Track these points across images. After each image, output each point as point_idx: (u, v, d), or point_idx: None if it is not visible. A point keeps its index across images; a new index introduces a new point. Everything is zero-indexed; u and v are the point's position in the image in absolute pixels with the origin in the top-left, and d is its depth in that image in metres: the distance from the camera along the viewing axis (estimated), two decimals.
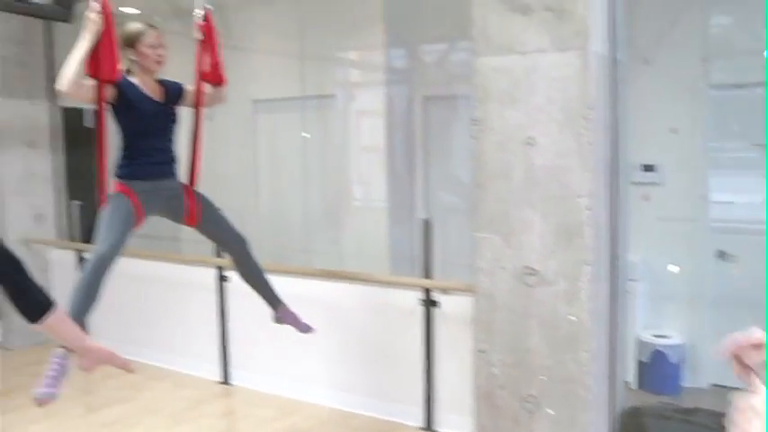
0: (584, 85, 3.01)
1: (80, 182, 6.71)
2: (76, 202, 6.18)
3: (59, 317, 2.76)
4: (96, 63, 3.25)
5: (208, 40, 3.68)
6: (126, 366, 2.96)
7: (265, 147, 6.83)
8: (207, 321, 5.18)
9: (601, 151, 3.14)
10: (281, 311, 3.93)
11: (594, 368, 3.14)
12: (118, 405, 4.83)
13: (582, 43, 3.00)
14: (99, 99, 3.31)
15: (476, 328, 3.34)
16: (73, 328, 2.88)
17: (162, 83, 3.59)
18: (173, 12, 6.23)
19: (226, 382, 5.19)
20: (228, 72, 3.81)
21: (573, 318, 3.07)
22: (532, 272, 3.16)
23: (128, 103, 3.41)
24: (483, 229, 3.27)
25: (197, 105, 3.70)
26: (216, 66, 3.69)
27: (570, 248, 3.07)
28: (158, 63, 3.50)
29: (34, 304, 2.67)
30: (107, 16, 3.27)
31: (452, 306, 4.10)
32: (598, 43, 3.09)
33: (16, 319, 6.00)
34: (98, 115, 3.35)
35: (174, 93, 3.62)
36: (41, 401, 2.97)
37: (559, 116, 3.06)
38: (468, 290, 3.53)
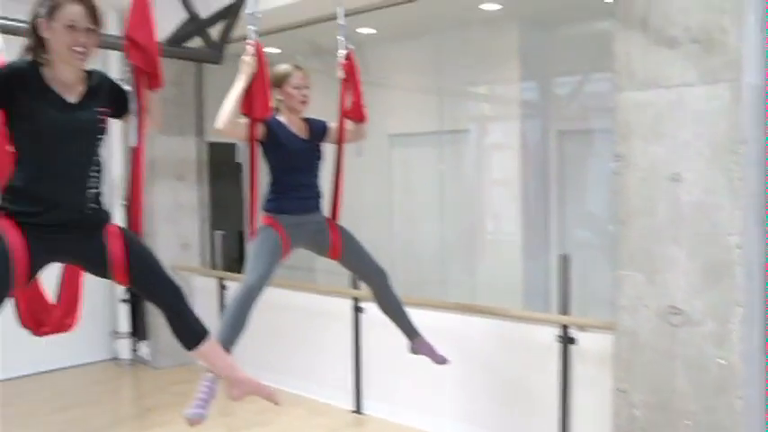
0: (735, 119, 2.91)
1: (223, 213, 7.05)
2: (219, 232, 6.48)
3: (212, 346, 2.92)
4: (250, 103, 3.43)
5: (350, 79, 3.81)
6: (273, 398, 3.08)
7: (400, 180, 6.94)
8: (342, 351, 5.28)
9: (752, 187, 3.02)
10: (417, 342, 3.96)
11: (749, 418, 2.98)
12: (256, 428, 4.99)
13: (734, 75, 2.91)
14: (251, 137, 3.49)
15: (616, 366, 3.26)
16: (224, 357, 3.03)
17: (307, 121, 3.75)
18: (312, 51, 6.47)
19: (359, 411, 5.26)
20: (366, 108, 3.93)
21: (722, 361, 2.95)
22: (677, 311, 3.06)
23: (276, 141, 3.57)
24: (625, 267, 3.20)
25: (339, 142, 3.83)
26: (358, 104, 3.81)
27: (719, 288, 2.95)
28: (303, 103, 3.66)
29: (191, 332, 2.84)
30: (260, 59, 3.46)
31: (590, 343, 4.00)
32: (752, 74, 2.98)
33: (163, 339, 6.36)
34: (250, 152, 3.53)
35: (318, 130, 3.76)
36: (192, 421, 3.12)
37: (707, 151, 2.98)
38: (607, 327, 3.45)
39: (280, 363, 5.80)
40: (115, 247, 2.68)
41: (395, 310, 3.90)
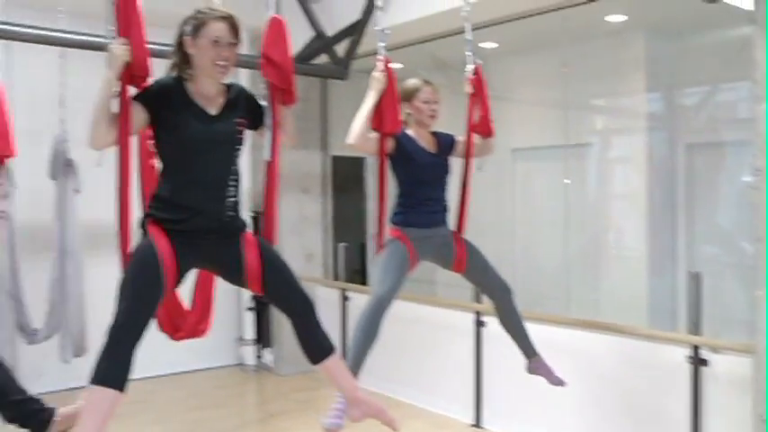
0: None
1: (345, 225, 7.20)
2: (342, 244, 6.62)
3: (337, 363, 2.97)
4: (380, 117, 3.51)
5: (478, 94, 3.83)
6: (393, 424, 3.09)
7: (522, 194, 6.90)
8: (462, 364, 5.28)
9: None
10: (535, 362, 3.92)
11: None
12: None
13: None
14: (381, 151, 3.56)
15: (756, 392, 3.13)
16: (348, 376, 3.07)
17: (435, 135, 3.80)
18: (435, 65, 6.54)
19: (478, 425, 5.24)
20: (493, 122, 3.94)
21: None
22: None
23: (406, 155, 3.64)
24: (764, 286, 3.07)
25: (467, 156, 3.85)
26: (485, 118, 3.83)
27: None
28: (432, 117, 3.71)
29: (318, 346, 2.91)
30: (390, 74, 3.54)
31: (725, 366, 3.84)
32: None
33: (287, 347, 6.54)
34: (379, 166, 3.61)
35: (446, 144, 3.81)
36: (330, 430, 3.19)
37: None
38: (745, 350, 3.32)
39: (400, 374, 5.86)
40: (251, 256, 2.80)
41: (515, 327, 3.87)
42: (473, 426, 5.25)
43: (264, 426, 5.55)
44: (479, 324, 5.15)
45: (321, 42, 5.70)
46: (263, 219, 3.12)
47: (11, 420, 2.76)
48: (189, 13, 2.79)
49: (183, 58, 2.78)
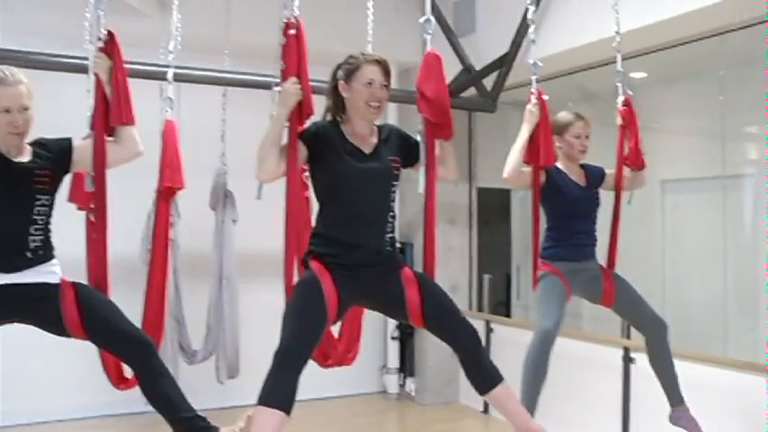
0: None
1: (490, 256, 7.19)
2: (487, 276, 6.62)
3: (507, 392, 2.91)
4: (535, 151, 3.54)
5: (629, 126, 3.78)
6: None
7: (671, 227, 6.64)
8: (609, 402, 5.13)
9: None
10: (679, 411, 3.74)
11: None
12: None
13: None
14: (536, 184, 3.58)
15: None
16: (519, 406, 3.00)
17: (584, 168, 3.78)
18: (583, 96, 6.46)
19: None
20: (644, 154, 3.86)
21: None
22: None
23: (556, 189, 3.64)
24: None
25: (617, 189, 3.80)
26: (636, 150, 3.77)
27: None
28: (582, 152, 3.71)
29: (486, 376, 2.89)
30: (544, 107, 3.56)
31: None
32: None
33: (429, 377, 6.59)
34: (534, 199, 3.63)
35: (596, 177, 3.79)
36: None
37: None
38: None
39: (542, 409, 5.74)
40: (411, 290, 2.86)
41: (664, 367, 3.73)
42: None
43: None
44: (628, 360, 4.99)
45: (469, 76, 5.79)
46: (424, 252, 3.16)
47: None
48: (341, 60, 2.94)
49: (337, 102, 2.92)
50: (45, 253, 2.86)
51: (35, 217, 2.81)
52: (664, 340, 3.70)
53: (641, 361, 4.79)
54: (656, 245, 6.60)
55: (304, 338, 2.66)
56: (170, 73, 3.91)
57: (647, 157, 3.91)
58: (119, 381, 3.63)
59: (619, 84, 3.87)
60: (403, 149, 3.02)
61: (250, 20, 5.60)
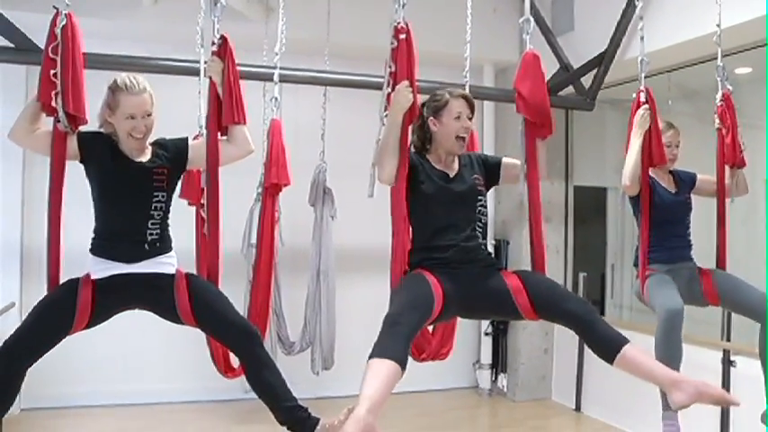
0: None
1: (585, 255, 7.13)
2: (583, 274, 6.58)
3: (637, 351, 2.72)
4: (645, 150, 3.57)
5: (727, 121, 3.74)
6: (726, 399, 2.74)
7: None
8: (707, 406, 5.02)
9: None
10: None
11: None
12: None
13: None
14: (645, 183, 3.60)
15: None
16: (654, 362, 2.82)
17: (673, 174, 3.79)
18: (683, 94, 6.33)
19: None
20: (743, 152, 3.80)
21: None
22: None
23: (651, 193, 3.67)
24: None
25: (720, 190, 3.77)
26: (734, 146, 3.72)
27: None
28: (672, 161, 3.75)
29: (608, 340, 2.75)
30: (653, 107, 3.58)
31: None
32: None
33: (521, 373, 6.59)
34: (644, 202, 3.64)
35: (686, 183, 3.80)
36: None
37: None
38: None
39: (638, 410, 5.69)
40: (513, 280, 2.95)
41: None
42: None
43: None
44: (728, 363, 4.89)
45: (567, 74, 5.78)
46: (532, 249, 3.25)
47: (282, 423, 3.02)
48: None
49: (422, 136, 3.14)
50: (162, 245, 3.04)
51: (152, 212, 2.99)
52: None
53: (742, 364, 4.70)
54: (760, 245, 6.40)
55: (413, 308, 2.74)
56: (276, 74, 4.07)
57: (750, 155, 3.83)
58: (226, 369, 3.83)
59: (718, 78, 3.81)
60: (483, 169, 3.23)
61: (348, 22, 5.76)
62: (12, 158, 5.60)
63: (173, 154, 3.09)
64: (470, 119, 3.10)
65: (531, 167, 3.17)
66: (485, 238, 3.08)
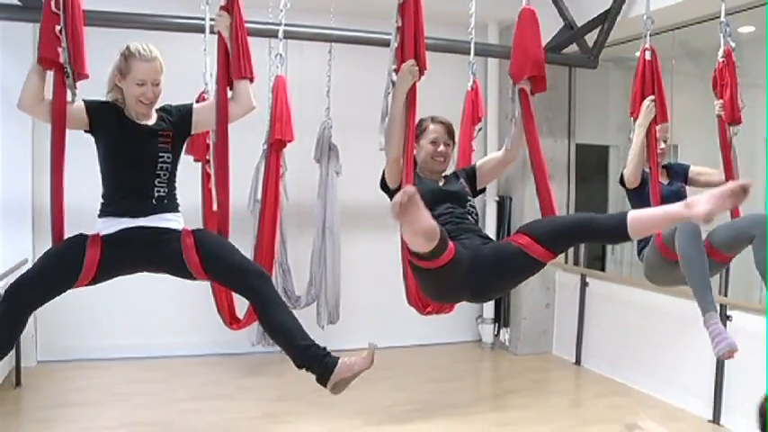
0: None
1: (587, 211, 7.19)
2: None
3: (636, 211, 2.81)
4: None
5: (726, 78, 3.77)
6: (739, 186, 2.56)
7: None
8: (702, 357, 5.14)
9: None
10: None
11: None
12: (609, 424, 5.09)
13: None
14: (652, 140, 3.68)
15: None
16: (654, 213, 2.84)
17: (666, 167, 4.03)
18: (686, 53, 6.34)
19: (716, 422, 5.09)
20: (741, 109, 3.83)
21: None
22: None
23: (643, 186, 3.90)
24: None
25: (724, 148, 3.83)
26: (732, 103, 3.75)
27: None
28: (662, 155, 3.90)
29: (612, 224, 2.79)
30: (656, 64, 3.63)
31: None
32: None
33: (523, 327, 6.69)
34: (651, 159, 3.77)
35: (678, 173, 4.07)
36: (731, 352, 3.26)
37: None
38: None
39: (636, 363, 5.83)
40: (524, 241, 2.94)
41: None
42: (711, 422, 5.12)
43: (498, 401, 5.77)
44: (725, 318, 4.99)
45: (570, 32, 5.79)
46: (541, 203, 3.49)
47: (300, 365, 2.98)
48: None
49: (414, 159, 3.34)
50: (169, 203, 3.10)
51: (158, 172, 3.05)
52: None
53: (738, 319, 4.80)
54: (759, 203, 6.47)
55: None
56: (281, 30, 4.10)
57: (751, 115, 3.86)
58: (231, 321, 3.91)
59: (721, 35, 3.83)
60: (465, 178, 3.54)
61: None
62: (21, 119, 5.65)
63: (177, 118, 3.15)
64: (448, 145, 3.42)
65: (529, 124, 3.29)
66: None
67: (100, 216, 3.03)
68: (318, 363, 2.92)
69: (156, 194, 3.04)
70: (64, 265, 2.89)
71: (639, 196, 3.81)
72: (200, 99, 3.88)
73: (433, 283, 3.00)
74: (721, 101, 3.77)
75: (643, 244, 3.86)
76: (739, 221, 3.65)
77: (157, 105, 3.12)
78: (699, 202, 2.54)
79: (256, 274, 3.05)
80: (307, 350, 2.95)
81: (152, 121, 3.10)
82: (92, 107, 3.01)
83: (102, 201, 3.06)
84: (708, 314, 3.26)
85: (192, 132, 3.26)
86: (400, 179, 3.15)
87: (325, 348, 2.97)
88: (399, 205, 2.35)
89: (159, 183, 3.05)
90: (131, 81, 2.99)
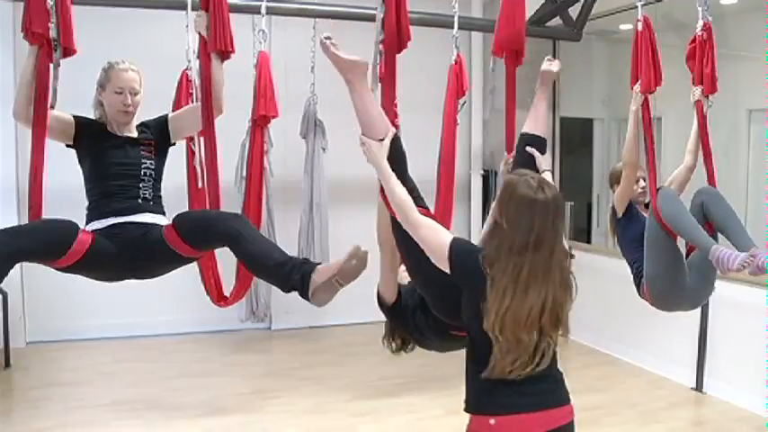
0: None
1: (572, 185, 7.26)
2: (569, 203, 6.70)
3: None
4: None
5: (706, 50, 3.77)
6: None
7: (756, 157, 6.55)
8: (686, 327, 5.22)
9: None
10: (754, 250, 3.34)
11: None
12: (595, 393, 5.19)
13: None
14: (645, 106, 3.59)
15: None
16: None
17: (648, 204, 3.76)
18: (669, 26, 6.35)
19: (699, 389, 5.19)
20: (723, 81, 3.84)
21: None
22: None
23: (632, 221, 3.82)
24: None
25: (700, 121, 3.78)
26: (713, 75, 3.74)
27: None
28: (642, 194, 3.78)
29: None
30: (651, 32, 3.61)
31: None
32: None
33: None
34: (644, 121, 3.60)
35: None
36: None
37: None
38: None
39: (619, 332, 5.91)
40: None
41: (727, 215, 3.54)
42: (694, 389, 5.21)
43: None
44: None
45: (554, 5, 5.79)
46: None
47: (284, 285, 2.84)
48: None
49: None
50: (155, 205, 3.14)
51: (143, 177, 3.11)
52: (717, 195, 3.57)
53: (721, 288, 4.85)
54: (740, 174, 6.53)
55: None
56: (263, 6, 4.08)
57: (733, 86, 3.85)
58: (219, 298, 3.91)
59: (699, 8, 3.83)
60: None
61: None
62: (3, 99, 5.63)
63: (155, 129, 3.22)
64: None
65: (510, 96, 3.34)
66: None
67: (87, 223, 3.03)
68: (297, 271, 2.79)
69: (142, 196, 3.09)
70: (57, 233, 2.84)
71: (627, 228, 3.78)
72: (183, 77, 3.89)
73: None
74: (700, 87, 3.75)
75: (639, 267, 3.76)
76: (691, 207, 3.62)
77: (141, 118, 3.19)
78: None
79: (229, 217, 3.02)
80: (284, 265, 2.82)
81: (134, 133, 3.17)
82: (81, 120, 3.09)
83: (87, 210, 3.09)
84: (712, 248, 3.21)
85: (173, 141, 3.31)
86: None
87: (306, 259, 2.92)
88: None
89: (144, 187, 3.11)
90: (110, 91, 3.07)
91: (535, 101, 3.25)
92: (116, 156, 3.07)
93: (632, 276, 3.76)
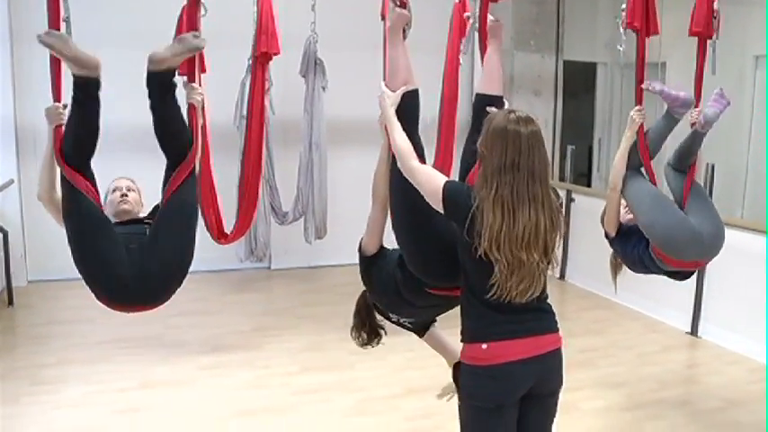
0: None
1: (574, 128, 7.23)
2: (570, 146, 6.69)
3: None
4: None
5: None
6: None
7: (760, 103, 6.51)
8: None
9: None
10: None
11: None
12: (592, 336, 5.25)
13: None
14: (640, 46, 3.46)
15: None
16: None
17: None
18: None
19: (694, 333, 5.24)
20: (728, 27, 3.77)
21: None
22: None
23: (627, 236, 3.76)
24: None
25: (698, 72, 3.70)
26: (709, 15, 3.59)
27: None
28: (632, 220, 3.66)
29: None
30: None
31: None
32: None
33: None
34: (637, 74, 3.51)
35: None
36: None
37: None
38: None
39: (620, 277, 5.89)
40: None
41: None
42: (689, 333, 5.27)
43: None
44: None
45: None
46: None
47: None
48: None
49: None
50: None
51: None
52: None
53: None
54: (744, 119, 6.49)
55: None
56: None
57: (736, 32, 3.77)
58: (219, 235, 3.94)
59: None
60: None
61: None
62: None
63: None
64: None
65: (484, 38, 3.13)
66: None
67: None
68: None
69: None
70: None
71: (626, 243, 3.73)
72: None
73: None
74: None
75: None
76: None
77: None
78: None
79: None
80: None
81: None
82: None
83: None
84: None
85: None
86: None
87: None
88: None
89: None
90: (109, 194, 3.10)
91: (486, 57, 2.95)
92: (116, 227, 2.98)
93: (648, 269, 3.75)
